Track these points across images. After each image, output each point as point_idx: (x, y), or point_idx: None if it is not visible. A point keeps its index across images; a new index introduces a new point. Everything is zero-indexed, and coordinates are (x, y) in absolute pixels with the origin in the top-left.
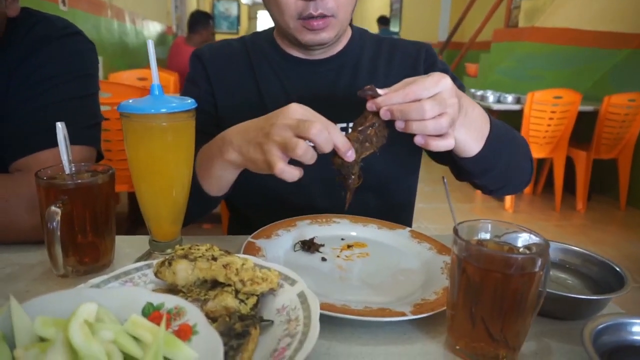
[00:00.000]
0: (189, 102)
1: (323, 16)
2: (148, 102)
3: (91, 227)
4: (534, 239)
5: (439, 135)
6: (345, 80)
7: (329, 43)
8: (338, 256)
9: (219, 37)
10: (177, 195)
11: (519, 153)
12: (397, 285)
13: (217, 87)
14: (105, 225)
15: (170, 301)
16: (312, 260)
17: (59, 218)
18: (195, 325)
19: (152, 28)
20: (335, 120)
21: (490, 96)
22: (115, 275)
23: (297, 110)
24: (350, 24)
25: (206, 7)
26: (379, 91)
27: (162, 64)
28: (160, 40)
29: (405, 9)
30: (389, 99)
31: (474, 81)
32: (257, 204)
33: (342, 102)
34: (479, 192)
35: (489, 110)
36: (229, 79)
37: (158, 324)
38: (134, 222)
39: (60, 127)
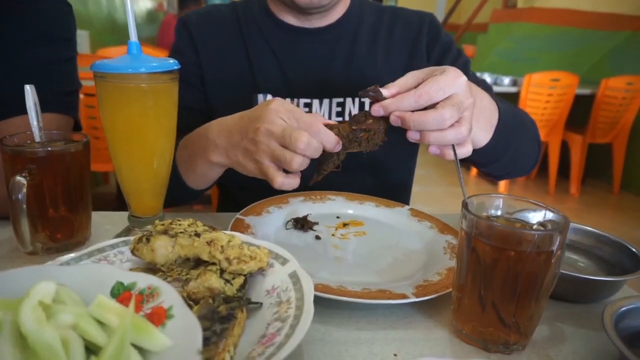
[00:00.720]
0: (171, 62)
1: None
2: (125, 61)
3: (64, 201)
4: (550, 215)
5: None
6: (343, 51)
7: (327, 5)
8: (333, 235)
9: None
10: (158, 167)
11: (527, 138)
12: (397, 266)
13: (205, 58)
14: (80, 198)
15: (144, 280)
16: (305, 239)
17: (25, 189)
18: (170, 308)
19: (142, 4)
20: (331, 94)
21: (487, 78)
22: (88, 252)
23: (279, 112)
24: None
25: None
26: (384, 92)
27: (152, 42)
28: (151, 18)
29: None
30: (399, 103)
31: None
32: (248, 183)
33: (340, 75)
34: (472, 174)
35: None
36: (217, 49)
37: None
38: (123, 203)
39: (29, 90)
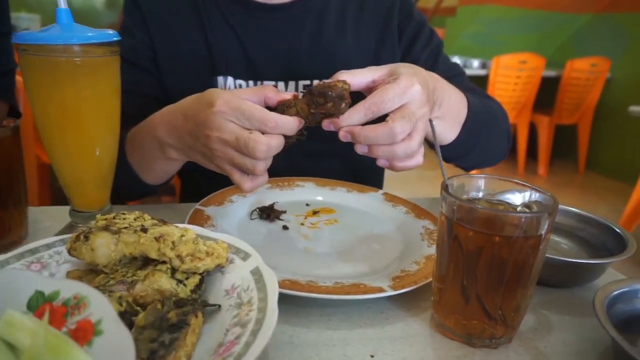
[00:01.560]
0: (110, 33)
1: None
2: (54, 31)
3: None
4: (536, 196)
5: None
6: (310, 30)
7: None
8: (302, 224)
9: None
10: (101, 155)
11: (497, 131)
12: (372, 255)
13: (157, 38)
14: (10, 192)
15: (69, 289)
16: (272, 230)
17: None
18: (99, 322)
19: None
20: (297, 77)
21: (457, 61)
22: (17, 254)
23: (225, 113)
24: None
25: None
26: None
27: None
28: (111, 2)
29: None
30: (349, 119)
31: None
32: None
33: (306, 55)
34: None
35: None
36: (171, 27)
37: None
38: None
39: None
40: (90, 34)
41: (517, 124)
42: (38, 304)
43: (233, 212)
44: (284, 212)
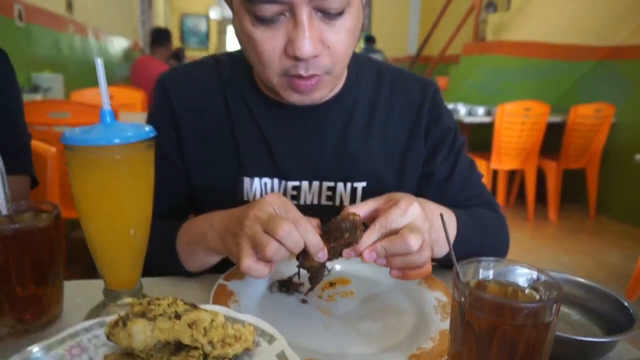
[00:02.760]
0: (147, 130)
1: (314, 76)
2: (98, 131)
3: (33, 277)
4: (543, 278)
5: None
6: (336, 131)
7: (320, 101)
8: (320, 296)
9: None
10: (134, 238)
11: (491, 241)
12: (388, 331)
13: (185, 134)
14: (50, 273)
15: None
16: (291, 303)
17: None
18: None
19: (118, 44)
20: (321, 178)
21: (462, 109)
22: (59, 339)
23: (272, 202)
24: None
25: (174, 23)
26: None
27: (128, 81)
28: (127, 56)
29: (374, 22)
30: (367, 241)
31: (444, 94)
32: None
33: (331, 157)
34: None
35: (460, 124)
36: (199, 122)
37: None
38: None
39: None
40: (129, 134)
41: (525, 169)
42: None
43: (254, 286)
44: (302, 284)
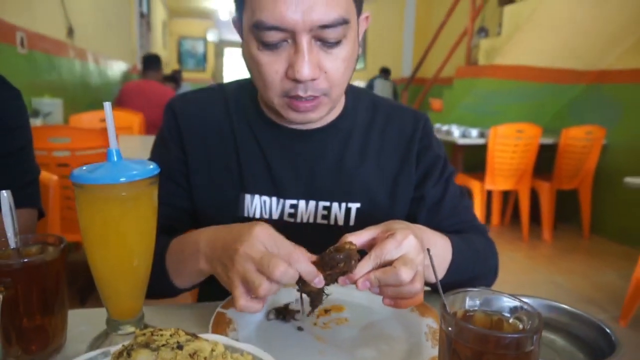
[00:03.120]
0: (151, 168)
1: (313, 97)
2: (105, 170)
3: (39, 308)
4: (525, 307)
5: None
6: (334, 153)
7: (317, 121)
8: (315, 324)
9: (187, 75)
10: (137, 269)
11: (482, 270)
12: (381, 357)
13: (192, 155)
14: (55, 303)
15: None
16: (287, 331)
17: (0, 304)
18: None
19: (117, 67)
20: (318, 197)
21: (455, 131)
22: None
23: (262, 239)
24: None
25: (172, 46)
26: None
27: (116, 103)
28: (125, 79)
29: (369, 46)
30: (362, 270)
31: (438, 116)
32: None
33: (328, 178)
34: None
35: (454, 146)
36: (205, 144)
37: None
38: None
39: (5, 195)
40: (135, 172)
41: (519, 190)
42: None
43: (251, 314)
44: (298, 311)
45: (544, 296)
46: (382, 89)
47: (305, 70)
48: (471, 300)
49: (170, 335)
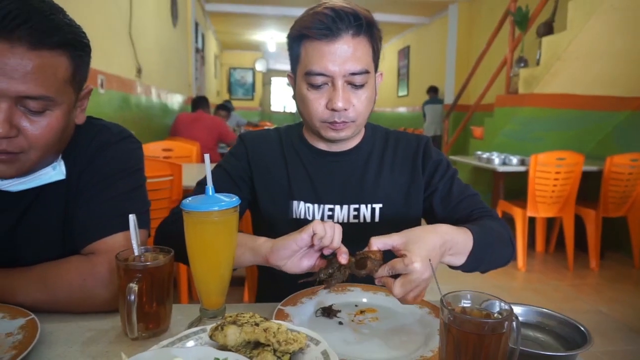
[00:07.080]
0: (234, 200)
1: (344, 122)
2: (204, 201)
3: (155, 298)
4: (504, 306)
5: None
6: (359, 168)
7: (347, 139)
8: (352, 320)
9: (236, 104)
10: (223, 273)
11: (500, 246)
12: (402, 345)
13: (255, 170)
14: (166, 296)
15: (232, 357)
16: (331, 324)
17: (136, 292)
18: None
19: (174, 99)
20: (349, 202)
21: (496, 159)
22: (179, 337)
23: (318, 221)
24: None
25: (223, 76)
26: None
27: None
28: (182, 109)
29: (412, 73)
30: (381, 274)
31: (480, 143)
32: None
33: (356, 187)
34: None
35: (494, 173)
36: (265, 164)
37: None
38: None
39: (132, 218)
40: (224, 203)
41: (563, 217)
42: None
43: (303, 311)
44: (339, 311)
45: (588, 325)
46: (433, 113)
47: (340, 103)
48: (465, 300)
49: (250, 317)
